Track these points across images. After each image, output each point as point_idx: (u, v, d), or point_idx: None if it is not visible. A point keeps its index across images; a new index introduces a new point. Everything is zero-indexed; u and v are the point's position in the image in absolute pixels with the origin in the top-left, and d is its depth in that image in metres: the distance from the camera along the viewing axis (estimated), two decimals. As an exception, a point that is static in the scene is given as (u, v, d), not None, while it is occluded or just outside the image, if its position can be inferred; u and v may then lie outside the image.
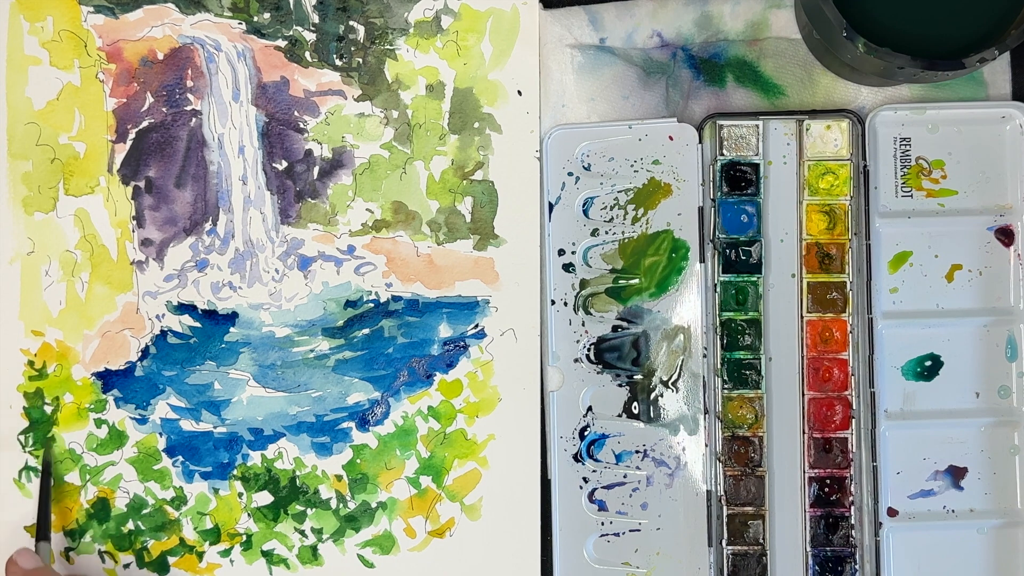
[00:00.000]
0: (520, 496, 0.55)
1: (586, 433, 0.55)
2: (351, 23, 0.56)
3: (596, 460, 0.55)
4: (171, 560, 0.56)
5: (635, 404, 0.55)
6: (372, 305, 0.56)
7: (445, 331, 0.56)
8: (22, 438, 0.56)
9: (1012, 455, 0.55)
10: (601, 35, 0.55)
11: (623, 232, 0.55)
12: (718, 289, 0.54)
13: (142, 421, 0.56)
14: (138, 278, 0.56)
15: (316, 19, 0.56)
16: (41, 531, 0.54)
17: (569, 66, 0.56)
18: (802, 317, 0.54)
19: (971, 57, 0.47)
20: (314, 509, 0.56)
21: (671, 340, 0.55)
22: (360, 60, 0.56)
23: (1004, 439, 0.55)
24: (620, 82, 0.55)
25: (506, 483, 0.56)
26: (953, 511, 0.55)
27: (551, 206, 0.55)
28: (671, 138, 0.55)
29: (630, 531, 0.55)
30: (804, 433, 0.54)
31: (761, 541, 0.54)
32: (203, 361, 0.56)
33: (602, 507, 0.55)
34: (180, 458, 0.56)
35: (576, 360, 0.55)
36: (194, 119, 0.56)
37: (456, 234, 0.56)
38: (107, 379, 0.56)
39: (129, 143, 0.56)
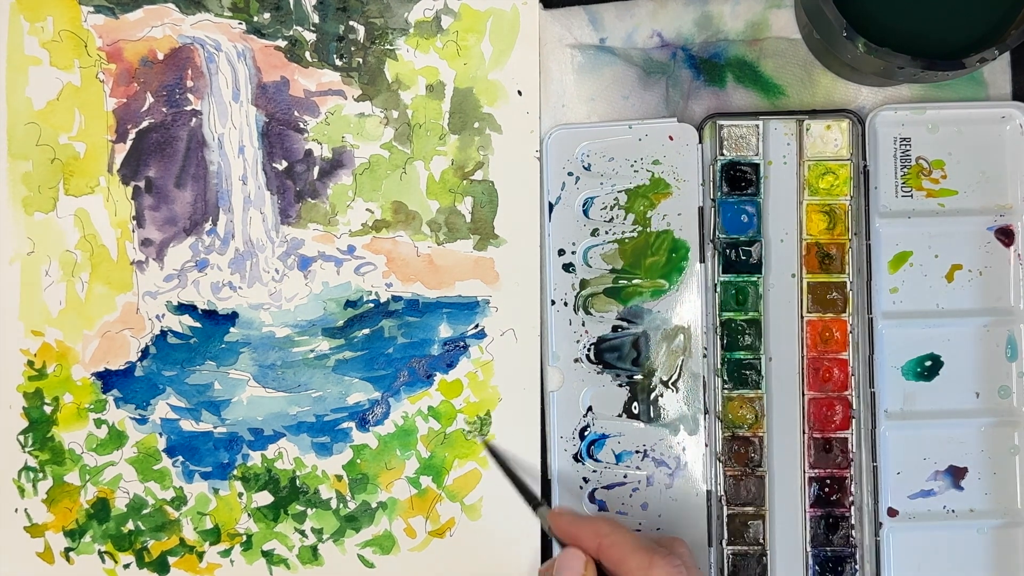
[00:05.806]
0: (520, 496, 0.55)
1: (586, 433, 0.55)
2: (351, 23, 0.56)
3: (596, 460, 0.55)
4: (171, 560, 0.56)
5: (635, 404, 0.55)
6: (372, 305, 0.56)
7: (445, 331, 0.56)
8: (22, 438, 0.56)
9: (1012, 455, 0.54)
10: (601, 35, 0.55)
11: (623, 232, 0.55)
12: (718, 289, 0.54)
13: (142, 421, 0.56)
14: (138, 278, 0.56)
15: (316, 19, 0.56)
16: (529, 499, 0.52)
17: (569, 66, 0.55)
18: (802, 317, 0.54)
19: (971, 57, 0.47)
20: (314, 509, 0.56)
21: (671, 340, 0.55)
22: (360, 60, 0.56)
23: (1004, 439, 0.54)
24: (620, 82, 0.55)
25: (506, 483, 0.55)
26: (953, 511, 0.55)
27: (551, 206, 0.55)
28: (671, 138, 0.55)
29: (630, 531, 0.55)
30: (804, 433, 0.54)
31: (761, 541, 0.54)
32: (203, 361, 0.56)
33: (602, 507, 0.55)
34: (180, 458, 0.56)
35: (576, 360, 0.55)
36: (194, 119, 0.56)
37: (456, 234, 0.56)
38: (107, 379, 0.56)
39: (129, 143, 0.56)
